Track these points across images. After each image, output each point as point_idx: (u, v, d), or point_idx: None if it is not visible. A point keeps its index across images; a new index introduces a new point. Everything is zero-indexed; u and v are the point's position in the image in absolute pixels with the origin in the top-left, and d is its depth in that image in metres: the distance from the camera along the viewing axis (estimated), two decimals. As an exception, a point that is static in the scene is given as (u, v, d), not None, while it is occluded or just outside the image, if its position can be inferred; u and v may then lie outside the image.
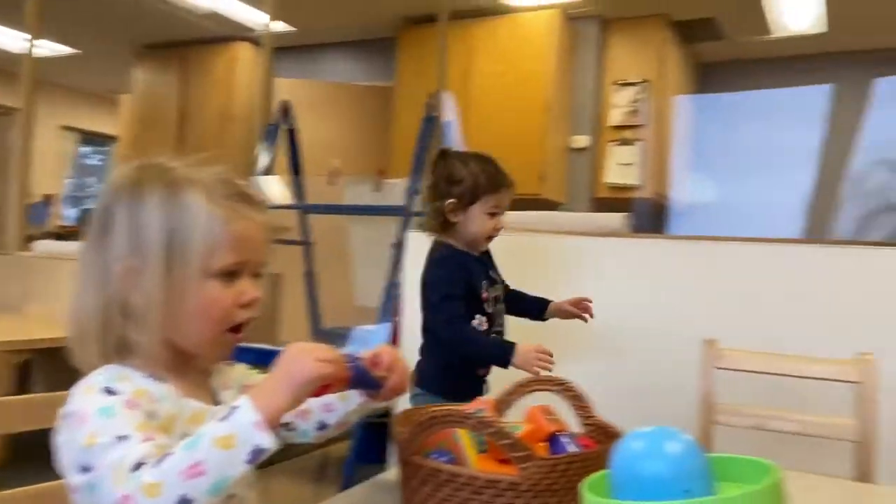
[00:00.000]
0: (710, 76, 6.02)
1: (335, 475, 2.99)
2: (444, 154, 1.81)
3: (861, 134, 5.37)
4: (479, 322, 1.72)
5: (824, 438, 1.56)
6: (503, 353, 1.61)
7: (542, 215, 2.52)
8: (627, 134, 5.17)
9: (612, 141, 5.21)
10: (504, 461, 0.82)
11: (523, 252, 2.31)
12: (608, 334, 2.17)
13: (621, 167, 5.21)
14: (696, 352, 1.66)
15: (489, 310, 1.73)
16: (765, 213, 5.73)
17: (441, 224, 1.73)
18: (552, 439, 0.91)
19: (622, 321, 2.16)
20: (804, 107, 5.91)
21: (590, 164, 5.24)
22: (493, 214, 1.73)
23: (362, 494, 0.98)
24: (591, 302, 1.85)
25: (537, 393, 1.07)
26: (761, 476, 0.49)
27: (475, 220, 1.72)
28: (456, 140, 3.56)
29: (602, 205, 5.13)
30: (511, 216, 2.51)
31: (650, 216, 5.30)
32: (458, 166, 1.73)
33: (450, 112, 3.57)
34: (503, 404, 1.04)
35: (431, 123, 2.51)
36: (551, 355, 1.61)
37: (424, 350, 1.80)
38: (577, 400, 1.00)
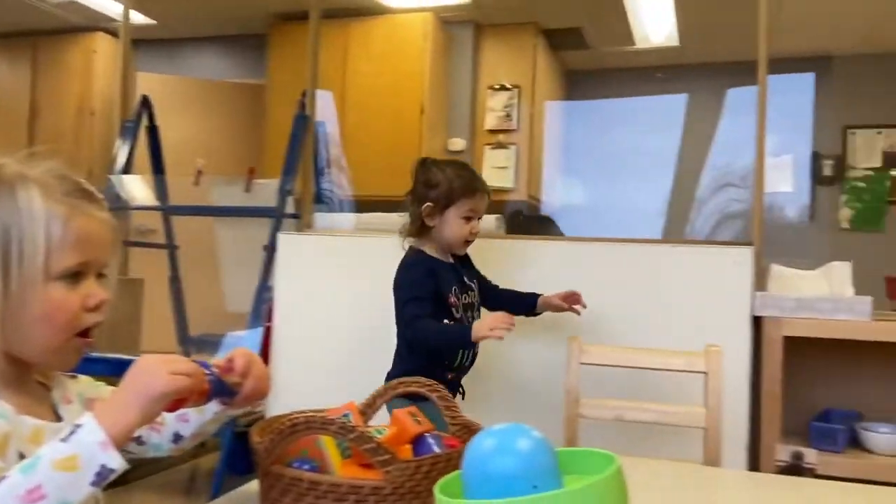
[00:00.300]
0: (577, 83, 6.29)
1: (205, 487, 2.86)
2: (424, 162, 1.85)
3: (713, 140, 5.81)
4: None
5: (679, 427, 1.67)
6: (463, 334, 1.66)
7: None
8: (502, 138, 5.31)
9: (488, 144, 5.33)
10: (368, 466, 0.81)
11: (395, 255, 2.31)
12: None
13: (496, 170, 5.34)
14: (563, 349, 1.73)
15: (457, 314, 1.77)
16: (629, 215, 6.06)
17: (418, 229, 1.80)
18: (417, 441, 0.91)
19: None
20: (663, 114, 6.30)
21: (467, 167, 5.34)
22: (468, 219, 1.78)
23: (222, 509, 0.93)
24: (580, 294, 1.90)
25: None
26: (605, 467, 0.51)
27: (451, 223, 1.77)
28: (331, 140, 3.51)
29: (478, 207, 5.23)
30: (379, 218, 2.51)
31: (524, 218, 5.47)
32: (434, 171, 1.79)
33: (325, 111, 3.52)
34: (370, 408, 1.03)
35: (303, 122, 2.46)
36: (512, 323, 1.65)
37: (395, 357, 1.84)
38: (444, 400, 1.01)
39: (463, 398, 1.88)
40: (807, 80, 5.79)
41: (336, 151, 3.09)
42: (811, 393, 2.08)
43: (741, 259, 2.01)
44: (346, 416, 0.96)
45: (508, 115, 5.32)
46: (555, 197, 6.19)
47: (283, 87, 4.93)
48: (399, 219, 2.51)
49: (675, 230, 5.90)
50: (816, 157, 5.65)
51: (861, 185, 5.55)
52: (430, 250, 1.80)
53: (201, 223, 2.90)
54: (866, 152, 5.56)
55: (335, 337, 2.31)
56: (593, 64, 6.08)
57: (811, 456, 1.80)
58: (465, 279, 1.85)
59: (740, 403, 1.96)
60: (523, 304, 1.92)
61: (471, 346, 1.75)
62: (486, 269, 2.20)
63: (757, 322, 1.96)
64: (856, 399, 2.07)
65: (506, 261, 2.21)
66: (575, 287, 2.12)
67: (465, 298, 1.82)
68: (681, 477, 1.24)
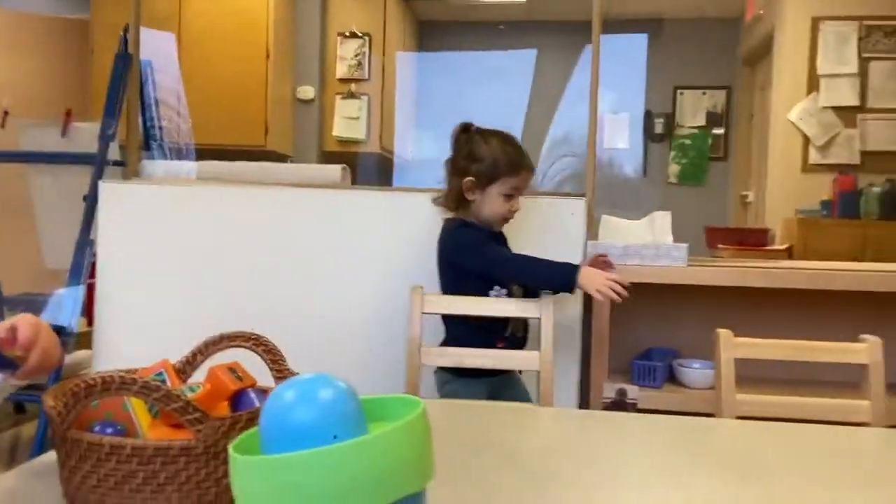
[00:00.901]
0: (430, 35, 6.26)
1: (26, 456, 2.64)
2: (467, 129, 1.77)
3: (562, 96, 6.01)
4: (498, 293, 1.73)
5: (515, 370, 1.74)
6: (567, 273, 1.62)
7: (258, 166, 2.41)
8: (353, 87, 5.20)
9: (339, 94, 5.20)
10: (179, 426, 0.76)
11: (236, 204, 2.20)
12: (323, 285, 2.17)
13: (348, 121, 5.23)
14: (406, 299, 1.73)
15: (494, 292, 1.73)
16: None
17: (457, 201, 1.73)
18: (238, 398, 0.87)
19: (340, 272, 2.17)
20: (514, 69, 6.43)
21: (317, 117, 5.17)
22: (509, 196, 1.71)
23: (11, 483, 0.84)
24: (606, 255, 1.84)
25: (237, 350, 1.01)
26: (410, 412, 0.50)
27: (492, 200, 1.71)
28: (167, 84, 3.25)
29: (331, 158, 5.11)
30: (220, 167, 2.38)
31: (376, 169, 5.42)
32: (479, 143, 1.72)
33: (165, 52, 3.24)
34: (189, 365, 0.97)
35: (125, 62, 2.25)
36: (626, 287, 1.59)
37: (444, 325, 1.75)
38: (270, 354, 0.96)
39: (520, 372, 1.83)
40: (641, 42, 6.12)
41: (174, 97, 2.86)
42: (636, 334, 2.24)
43: (576, 209, 2.09)
44: (159, 374, 0.89)
45: (360, 64, 5.20)
46: (407, 149, 6.18)
47: (109, 24, 4.49)
48: (242, 167, 2.39)
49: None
50: (649, 116, 6.03)
51: (687, 142, 6.00)
52: (470, 220, 1.76)
53: (10, 170, 2.60)
54: (692, 112, 6.00)
55: (168, 294, 2.18)
56: (445, 15, 6.06)
57: (633, 392, 1.94)
58: (506, 248, 1.82)
59: (573, 346, 2.07)
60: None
61: (570, 290, 1.67)
62: (325, 223, 2.16)
63: (589, 269, 2.06)
64: (675, 339, 2.25)
65: (348, 211, 2.17)
66: (414, 237, 2.13)
67: None
68: (515, 417, 1.28)
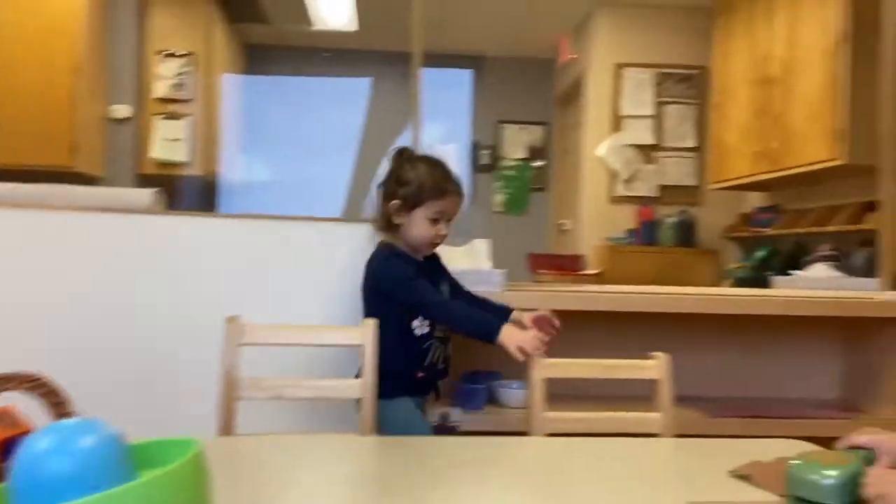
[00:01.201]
0: (259, 58, 6.13)
1: None
2: (400, 154, 1.77)
3: (397, 124, 6.12)
4: (420, 324, 1.72)
5: (337, 399, 1.71)
6: (490, 329, 1.59)
7: (57, 189, 2.21)
8: (175, 108, 4.94)
9: (158, 114, 4.92)
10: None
11: (29, 229, 2.00)
12: (129, 317, 2.02)
13: (168, 142, 4.96)
14: (220, 329, 1.65)
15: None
16: (313, 193, 6.11)
17: (386, 224, 1.74)
18: (8, 446, 0.78)
19: (149, 303, 2.04)
20: (349, 96, 6.45)
21: (133, 138, 4.85)
22: (434, 221, 1.71)
23: None
24: (551, 316, 1.74)
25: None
26: (187, 455, 0.47)
27: (417, 224, 1.71)
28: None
29: (148, 181, 4.80)
30: (11, 189, 2.15)
31: (200, 194, 5.17)
32: (407, 168, 1.72)
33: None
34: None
35: None
36: (543, 352, 1.54)
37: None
38: (51, 396, 0.88)
39: (437, 398, 1.86)
40: (465, 76, 6.40)
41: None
42: (462, 358, 2.29)
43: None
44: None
45: (182, 85, 4.97)
46: (235, 173, 5.98)
47: None
48: (39, 189, 2.18)
49: (355, 209, 6.11)
50: (476, 147, 6.30)
51: (511, 173, 6.33)
52: (400, 246, 1.76)
53: None
54: (515, 145, 6.36)
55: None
56: (275, 40, 5.97)
57: (456, 414, 1.99)
58: (437, 277, 1.79)
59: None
60: (495, 317, 1.74)
61: (492, 343, 1.62)
62: (133, 249, 2.02)
63: (412, 296, 2.09)
64: (498, 361, 2.34)
65: (159, 238, 2.05)
66: (234, 265, 2.06)
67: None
68: (334, 448, 1.26)
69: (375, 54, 5.90)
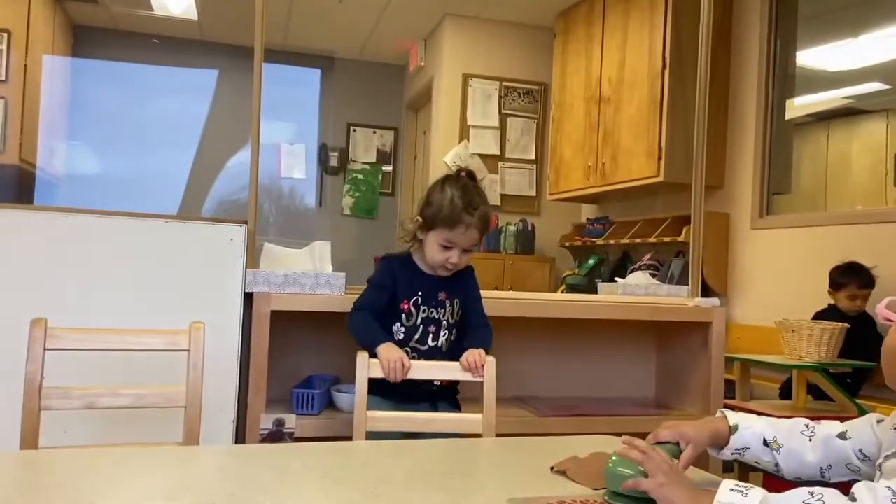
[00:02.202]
0: (89, 41, 5.67)
1: None
2: (445, 179, 1.78)
3: (239, 120, 5.88)
4: (396, 330, 1.78)
5: (160, 408, 1.61)
6: (373, 341, 1.69)
7: None
8: (-14, 88, 4.46)
9: (-34, 93, 4.41)
10: None
11: None
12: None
13: (-26, 125, 4.45)
14: (24, 333, 1.50)
15: (408, 322, 1.77)
16: (148, 187, 5.72)
17: (412, 235, 1.81)
18: None
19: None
20: (192, 88, 6.12)
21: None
22: (446, 247, 1.73)
23: None
24: (475, 360, 1.64)
25: None
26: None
27: (430, 246, 1.76)
28: None
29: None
30: None
31: (12, 185, 4.68)
32: (438, 188, 1.76)
33: None
34: None
35: None
36: (397, 379, 1.61)
37: None
38: None
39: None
40: (314, 76, 6.31)
41: None
42: (296, 362, 2.24)
43: (235, 236, 2.04)
44: None
45: (-6, 62, 4.49)
46: (57, 163, 5.47)
47: None
48: None
49: (193, 206, 5.80)
50: (324, 149, 6.21)
51: (360, 176, 6.31)
52: (417, 257, 1.82)
53: None
54: (364, 148, 6.34)
55: None
56: (107, 23, 5.55)
57: (291, 421, 1.94)
58: (443, 294, 1.81)
59: (230, 379, 2.00)
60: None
61: (370, 352, 1.67)
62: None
63: (248, 298, 2.01)
64: (335, 365, 2.31)
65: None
66: (45, 263, 1.89)
67: (430, 312, 1.79)
68: (150, 460, 1.18)
69: (222, 47, 5.66)
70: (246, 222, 2.13)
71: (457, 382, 1.83)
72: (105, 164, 5.83)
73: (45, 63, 4.91)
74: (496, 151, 5.38)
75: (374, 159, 6.31)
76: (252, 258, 2.08)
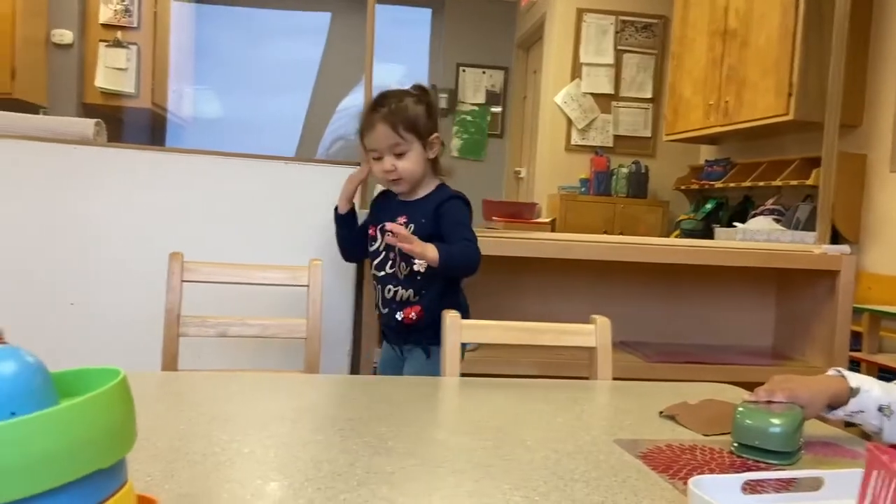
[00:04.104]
0: (210, -14, 5.88)
1: None
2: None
3: (356, 62, 5.98)
4: (372, 266, 1.76)
5: (282, 339, 1.72)
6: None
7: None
8: (120, 35, 4.73)
9: (104, 41, 4.70)
10: None
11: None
12: (69, 251, 1.98)
13: (114, 71, 4.76)
14: (164, 265, 1.63)
15: (371, 248, 1.74)
16: (266, 130, 5.96)
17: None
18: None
19: (89, 237, 1.99)
20: (306, 31, 6.26)
21: (77, 65, 4.64)
22: (376, 158, 1.69)
23: None
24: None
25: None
26: (109, 383, 0.47)
27: (372, 165, 1.72)
28: None
29: (93, 112, 4.63)
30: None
31: (146, 127, 5.01)
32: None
33: None
34: None
35: None
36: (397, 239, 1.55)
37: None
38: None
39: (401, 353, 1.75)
40: (425, 15, 6.26)
41: None
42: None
43: (350, 178, 2.09)
44: None
45: (128, 11, 4.74)
46: (185, 106, 5.79)
47: None
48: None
49: (309, 148, 6.00)
50: (433, 90, 6.21)
51: (468, 118, 6.28)
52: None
53: None
54: (474, 89, 6.28)
55: None
56: (227, -33, 5.72)
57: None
58: (403, 219, 1.66)
59: (345, 314, 2.10)
60: None
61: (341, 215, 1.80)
62: (73, 180, 1.96)
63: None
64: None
65: (101, 171, 1.99)
66: (178, 201, 2.02)
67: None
68: (276, 385, 1.27)
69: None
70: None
71: (432, 321, 1.59)
72: (227, 106, 6.11)
73: (174, 10, 5.15)
74: (610, 90, 5.19)
75: (482, 100, 6.25)
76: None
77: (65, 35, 4.55)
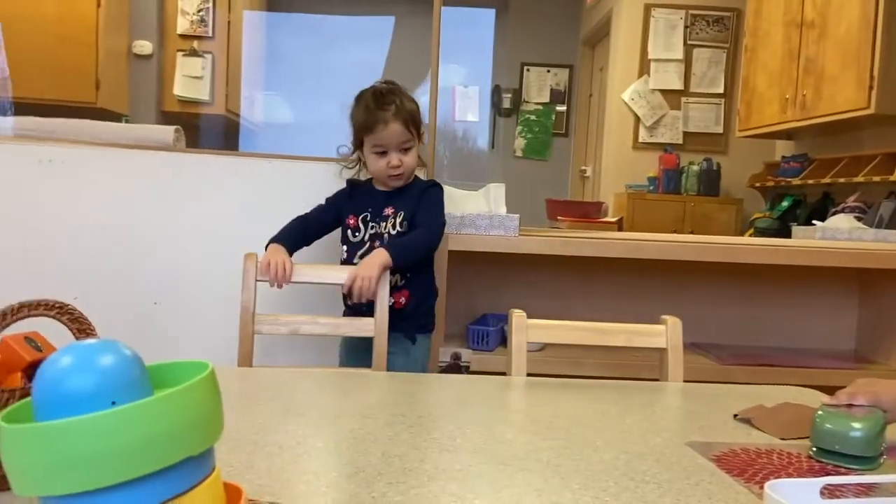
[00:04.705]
0: (280, -5, 6.04)
1: None
2: (359, 92, 1.79)
3: (420, 65, 6.04)
4: (342, 251, 1.80)
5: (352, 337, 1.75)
6: (271, 240, 1.74)
7: (83, 124, 2.23)
8: (196, 45, 4.92)
9: (181, 51, 4.90)
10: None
11: (58, 164, 2.04)
12: (151, 251, 2.07)
13: (190, 80, 4.95)
14: (239, 265, 1.69)
15: (354, 237, 1.78)
16: (332, 133, 6.08)
17: (357, 161, 1.85)
18: (34, 368, 0.82)
19: (171, 237, 2.08)
20: (371, 35, 6.35)
21: (156, 74, 4.86)
22: (381, 153, 1.72)
23: None
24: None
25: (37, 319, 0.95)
26: (199, 375, 0.50)
27: (369, 160, 1.75)
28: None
29: (171, 119, 4.83)
30: (39, 123, 2.19)
31: (220, 133, 5.19)
32: (353, 108, 1.77)
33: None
34: (-18, 336, 0.89)
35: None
36: (286, 272, 1.62)
37: None
38: (77, 322, 0.91)
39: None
40: (488, 16, 6.26)
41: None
42: (472, 300, 2.33)
43: (416, 179, 2.12)
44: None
45: (203, 21, 4.92)
46: (256, 112, 5.96)
47: None
48: (65, 125, 2.21)
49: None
50: (497, 91, 6.20)
51: (532, 118, 6.24)
52: (375, 179, 1.82)
53: None
54: (538, 88, 6.24)
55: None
56: (296, -24, 5.86)
57: (467, 355, 2.03)
58: (389, 209, 1.76)
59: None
60: None
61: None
62: (155, 186, 2.05)
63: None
64: (508, 304, 2.36)
65: (181, 176, 2.08)
66: (252, 203, 2.09)
67: (377, 227, 1.77)
68: (347, 381, 1.30)
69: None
70: (425, 165, 2.21)
71: (416, 305, 1.77)
72: (296, 111, 6.26)
73: (246, 18, 5.31)
74: (679, 86, 5.07)
75: (547, 99, 6.20)
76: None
77: (145, 46, 4.77)
